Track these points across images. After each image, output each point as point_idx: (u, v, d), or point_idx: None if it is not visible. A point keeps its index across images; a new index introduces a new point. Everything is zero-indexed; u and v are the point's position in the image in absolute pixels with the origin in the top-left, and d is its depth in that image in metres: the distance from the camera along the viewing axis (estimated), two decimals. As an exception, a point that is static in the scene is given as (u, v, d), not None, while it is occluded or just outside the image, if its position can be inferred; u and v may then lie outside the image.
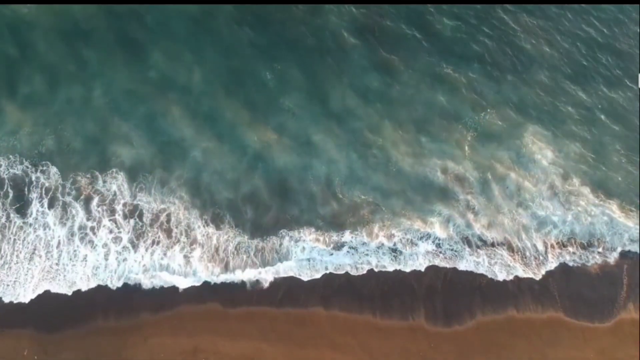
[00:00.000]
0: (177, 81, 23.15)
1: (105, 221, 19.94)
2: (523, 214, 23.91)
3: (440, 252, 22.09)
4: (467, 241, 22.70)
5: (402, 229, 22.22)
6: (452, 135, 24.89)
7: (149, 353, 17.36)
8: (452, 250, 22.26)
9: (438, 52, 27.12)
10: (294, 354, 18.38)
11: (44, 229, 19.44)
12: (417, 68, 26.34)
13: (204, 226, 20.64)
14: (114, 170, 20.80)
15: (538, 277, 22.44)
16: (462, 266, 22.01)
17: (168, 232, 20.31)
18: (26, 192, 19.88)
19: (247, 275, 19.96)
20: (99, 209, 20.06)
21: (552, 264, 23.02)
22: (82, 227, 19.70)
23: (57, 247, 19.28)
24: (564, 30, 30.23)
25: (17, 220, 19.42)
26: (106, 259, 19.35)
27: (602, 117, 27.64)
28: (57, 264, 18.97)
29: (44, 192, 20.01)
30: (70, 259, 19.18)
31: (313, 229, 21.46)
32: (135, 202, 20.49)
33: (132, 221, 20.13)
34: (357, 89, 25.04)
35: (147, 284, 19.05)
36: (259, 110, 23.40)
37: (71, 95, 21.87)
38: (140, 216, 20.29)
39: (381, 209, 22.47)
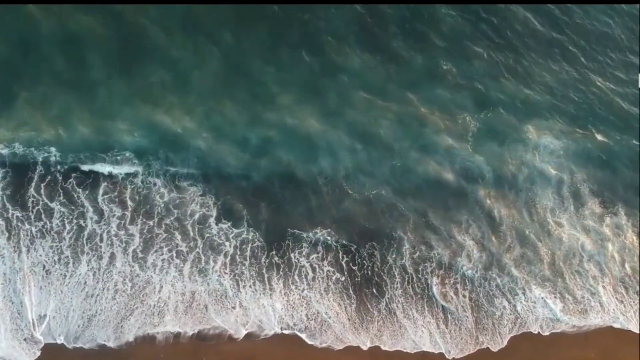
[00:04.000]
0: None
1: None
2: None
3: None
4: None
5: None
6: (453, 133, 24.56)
7: (149, 353, 17.21)
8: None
9: (439, 49, 26.73)
10: (295, 354, 18.28)
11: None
12: (417, 64, 25.96)
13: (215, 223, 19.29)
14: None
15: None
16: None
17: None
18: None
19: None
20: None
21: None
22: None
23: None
24: (566, 30, 29.95)
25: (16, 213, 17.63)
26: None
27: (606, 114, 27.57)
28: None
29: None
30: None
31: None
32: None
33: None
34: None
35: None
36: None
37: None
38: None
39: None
